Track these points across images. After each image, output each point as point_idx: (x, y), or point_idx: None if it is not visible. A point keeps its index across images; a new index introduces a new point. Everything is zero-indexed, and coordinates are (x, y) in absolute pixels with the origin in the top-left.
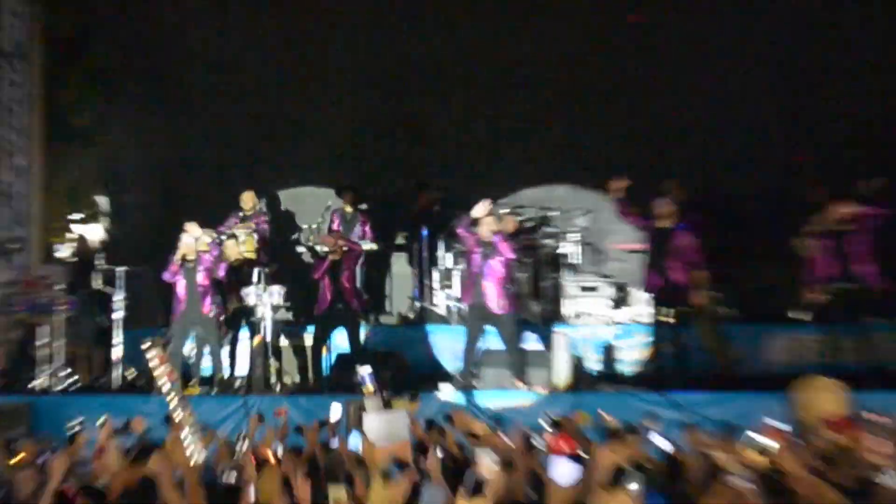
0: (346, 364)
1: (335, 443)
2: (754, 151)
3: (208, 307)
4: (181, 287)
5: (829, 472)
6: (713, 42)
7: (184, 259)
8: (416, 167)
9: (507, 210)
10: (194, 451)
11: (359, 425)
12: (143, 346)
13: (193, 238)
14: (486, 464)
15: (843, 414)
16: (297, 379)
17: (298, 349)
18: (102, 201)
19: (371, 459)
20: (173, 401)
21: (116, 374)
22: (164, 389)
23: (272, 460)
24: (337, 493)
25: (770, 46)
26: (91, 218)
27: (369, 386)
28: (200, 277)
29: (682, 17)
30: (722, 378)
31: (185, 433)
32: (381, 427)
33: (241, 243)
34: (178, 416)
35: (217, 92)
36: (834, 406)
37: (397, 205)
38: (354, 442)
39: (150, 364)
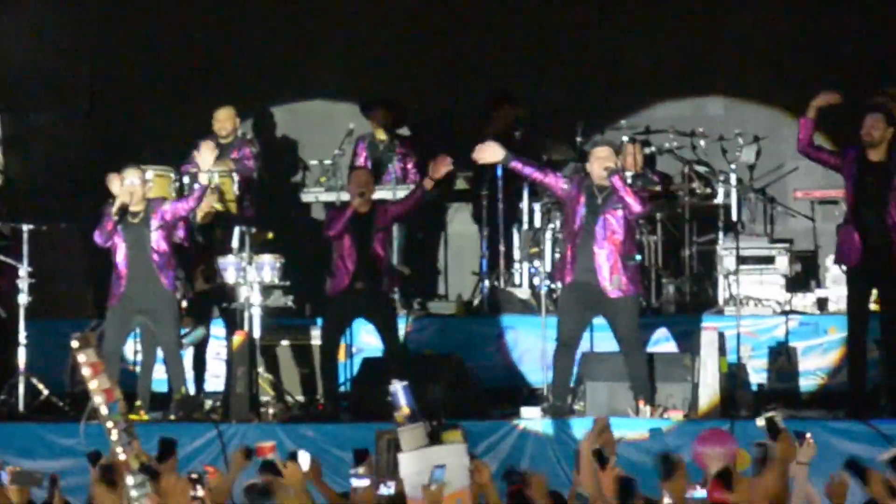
0: (374, 374)
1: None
2: None
3: (166, 285)
4: (121, 255)
5: None
6: None
7: (124, 212)
8: (485, 69)
9: (631, 136)
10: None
11: (392, 469)
12: (72, 345)
13: (138, 181)
14: None
15: None
16: (300, 397)
17: (302, 351)
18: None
19: None
20: (113, 432)
21: (20, 389)
22: (102, 413)
23: None
24: None
25: None
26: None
27: (405, 408)
28: (153, 240)
29: None
30: None
31: (131, 481)
32: (425, 471)
33: (213, 189)
34: (120, 453)
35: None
36: None
37: (457, 128)
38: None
39: (83, 373)
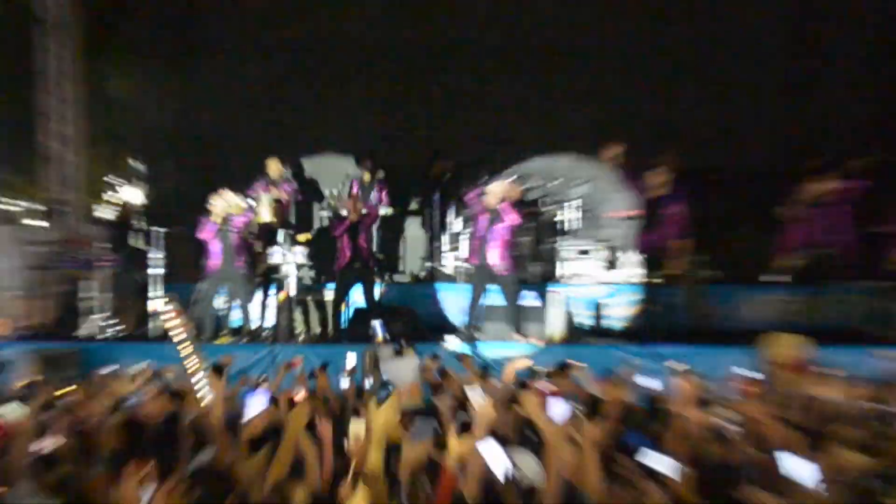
0: (362, 317)
1: (346, 384)
2: (744, 127)
3: (240, 265)
4: (215, 246)
5: (791, 416)
6: (707, 29)
7: (224, 220)
8: (429, 139)
9: (513, 179)
10: (205, 394)
11: (373, 371)
12: (163, 303)
13: (226, 202)
14: (476, 402)
15: (801, 360)
16: (318, 330)
17: (319, 303)
18: (140, 167)
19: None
20: (186, 350)
21: (154, 324)
22: (178, 340)
23: (300, 402)
24: (357, 427)
25: (762, 35)
26: (130, 182)
27: (380, 336)
28: (233, 238)
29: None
30: (700, 333)
31: (197, 378)
32: (396, 371)
33: (266, 209)
34: (191, 363)
35: (247, 67)
36: (794, 354)
37: (412, 173)
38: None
39: (165, 318)
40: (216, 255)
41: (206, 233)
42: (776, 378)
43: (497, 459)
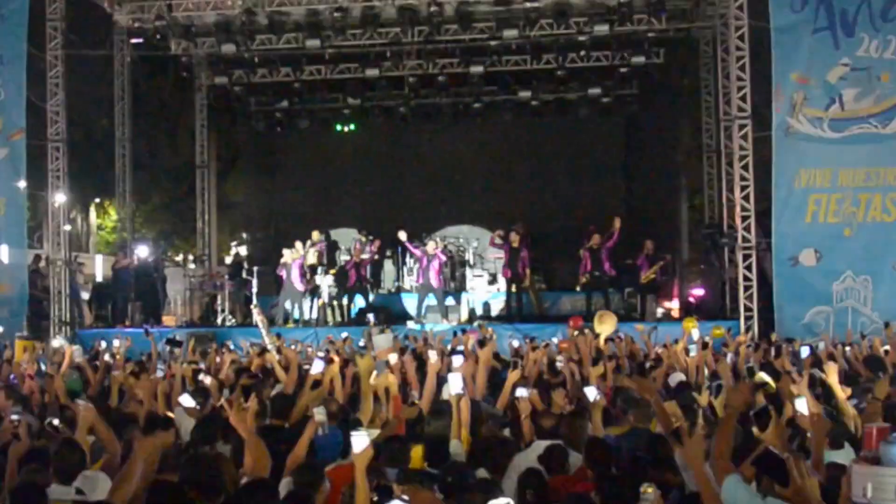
0: (362, 312)
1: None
2: (560, 211)
3: (300, 286)
4: (287, 277)
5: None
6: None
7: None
8: (396, 219)
9: (439, 238)
10: (273, 350)
11: (367, 341)
12: (252, 307)
13: (291, 253)
14: (433, 357)
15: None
16: (339, 319)
17: (339, 306)
18: (245, 237)
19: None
20: (264, 330)
21: (252, 319)
22: (260, 326)
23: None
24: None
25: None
26: (241, 243)
27: (372, 322)
28: (295, 272)
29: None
30: (540, 317)
31: (268, 343)
32: (380, 342)
33: (312, 257)
34: (267, 338)
35: (299, 182)
36: (610, 329)
37: (387, 237)
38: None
39: (255, 317)
40: (288, 280)
41: (280, 270)
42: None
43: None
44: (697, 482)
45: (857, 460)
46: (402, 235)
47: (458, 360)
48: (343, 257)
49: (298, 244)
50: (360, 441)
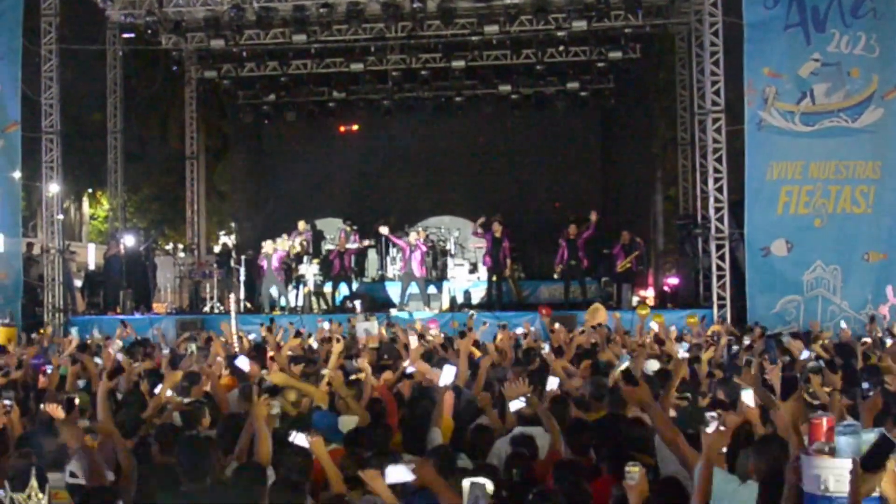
0: (347, 300)
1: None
2: (539, 202)
3: (280, 276)
4: (266, 266)
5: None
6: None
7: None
8: (379, 210)
9: (421, 229)
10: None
11: (353, 329)
12: (230, 298)
13: (274, 243)
14: (413, 343)
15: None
16: (324, 307)
17: (323, 293)
18: (234, 226)
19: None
20: (233, 321)
21: (239, 305)
22: (232, 317)
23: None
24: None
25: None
26: (229, 233)
27: (358, 309)
28: (275, 262)
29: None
30: (520, 305)
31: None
32: (365, 327)
33: (298, 246)
34: (234, 329)
35: (288, 175)
36: (601, 319)
37: (370, 226)
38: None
39: (231, 306)
40: (267, 270)
41: (261, 260)
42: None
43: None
44: (656, 422)
45: (811, 452)
46: (384, 230)
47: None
48: (328, 246)
49: (283, 237)
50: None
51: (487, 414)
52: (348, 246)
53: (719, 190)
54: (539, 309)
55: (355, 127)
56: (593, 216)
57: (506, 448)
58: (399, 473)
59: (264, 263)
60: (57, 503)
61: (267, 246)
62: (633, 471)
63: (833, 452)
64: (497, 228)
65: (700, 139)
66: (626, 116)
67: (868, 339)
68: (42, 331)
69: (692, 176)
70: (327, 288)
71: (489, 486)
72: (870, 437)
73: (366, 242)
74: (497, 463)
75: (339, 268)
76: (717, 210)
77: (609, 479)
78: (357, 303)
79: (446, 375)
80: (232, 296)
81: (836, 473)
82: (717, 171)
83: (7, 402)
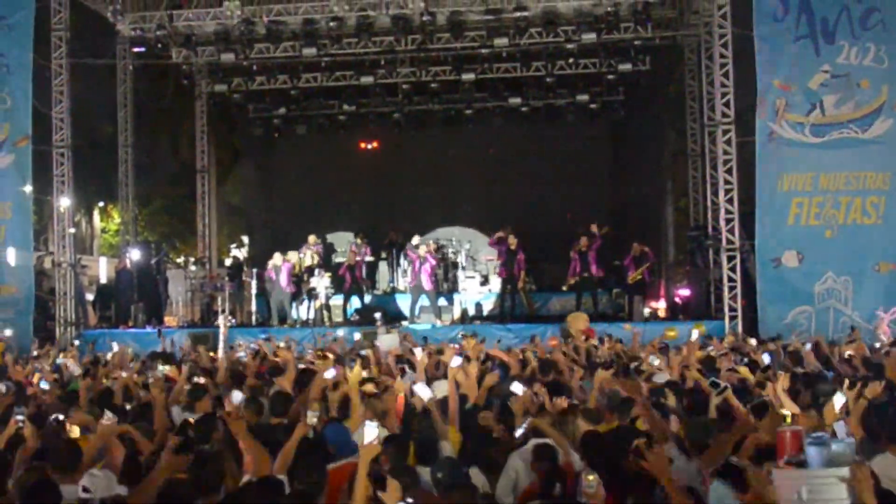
0: (359, 312)
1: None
2: (549, 214)
3: (288, 288)
4: (275, 279)
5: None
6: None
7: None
8: (392, 222)
9: (432, 241)
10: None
11: (371, 344)
12: (221, 315)
13: (281, 256)
14: (418, 355)
15: (587, 328)
16: (337, 320)
17: (335, 306)
18: (245, 239)
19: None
20: (222, 338)
21: (252, 318)
22: (221, 333)
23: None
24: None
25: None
26: (240, 246)
27: (379, 322)
28: (284, 275)
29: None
30: (531, 316)
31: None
32: (386, 341)
33: (309, 259)
34: (221, 346)
35: (298, 189)
36: (583, 325)
37: (382, 239)
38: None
39: (220, 323)
40: (275, 283)
41: (269, 272)
42: (571, 337)
43: (424, 391)
44: (668, 490)
45: (781, 466)
46: (398, 237)
47: (456, 361)
48: (338, 259)
49: (292, 253)
50: (371, 432)
51: (494, 430)
52: (357, 259)
53: (730, 201)
54: (587, 332)
55: (375, 144)
56: (594, 228)
57: (523, 460)
58: None
59: (273, 275)
60: None
61: (277, 258)
62: (590, 479)
63: (803, 464)
64: (512, 241)
65: (710, 150)
66: (636, 128)
67: (851, 352)
68: (47, 347)
69: (702, 187)
70: (338, 300)
71: None
72: (840, 446)
73: (368, 258)
74: (514, 476)
75: (350, 281)
76: (728, 221)
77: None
78: (377, 315)
79: (422, 392)
80: (220, 317)
81: (810, 484)
82: (727, 182)
83: (19, 416)
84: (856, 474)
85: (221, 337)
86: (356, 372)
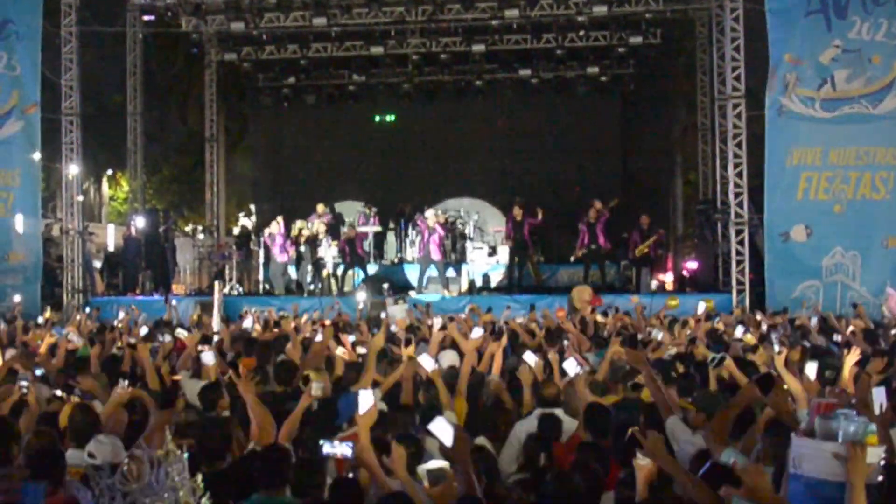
0: (370, 282)
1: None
2: (557, 186)
3: (281, 258)
4: (271, 247)
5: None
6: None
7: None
8: (400, 192)
9: (441, 211)
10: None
11: (382, 311)
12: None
13: (277, 224)
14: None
15: (592, 297)
16: (342, 288)
17: (340, 276)
18: (253, 208)
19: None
20: (217, 307)
21: (260, 286)
22: (216, 303)
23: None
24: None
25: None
26: (248, 215)
27: (387, 292)
28: (278, 244)
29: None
30: (539, 288)
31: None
32: (396, 312)
33: (317, 228)
34: (217, 316)
35: (308, 159)
36: (587, 295)
37: (391, 208)
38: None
39: (215, 294)
40: (271, 252)
41: (266, 239)
42: (577, 310)
43: (427, 362)
44: (670, 471)
45: (796, 433)
46: (407, 207)
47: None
48: (345, 229)
49: (299, 222)
50: (366, 399)
51: (503, 398)
52: (363, 229)
53: (739, 175)
54: (593, 301)
55: (391, 117)
56: (597, 204)
57: (527, 430)
58: (442, 429)
59: (270, 242)
60: (73, 480)
61: (272, 226)
62: (642, 465)
63: (812, 434)
64: (517, 212)
65: (720, 124)
66: (646, 101)
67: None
68: (48, 315)
69: (712, 161)
70: (343, 271)
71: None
72: (852, 424)
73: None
74: (517, 445)
75: (350, 253)
76: (737, 195)
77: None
78: (385, 285)
79: (426, 363)
80: (216, 284)
81: (808, 454)
82: (736, 156)
83: (23, 383)
84: (851, 453)
85: (216, 305)
86: (378, 339)
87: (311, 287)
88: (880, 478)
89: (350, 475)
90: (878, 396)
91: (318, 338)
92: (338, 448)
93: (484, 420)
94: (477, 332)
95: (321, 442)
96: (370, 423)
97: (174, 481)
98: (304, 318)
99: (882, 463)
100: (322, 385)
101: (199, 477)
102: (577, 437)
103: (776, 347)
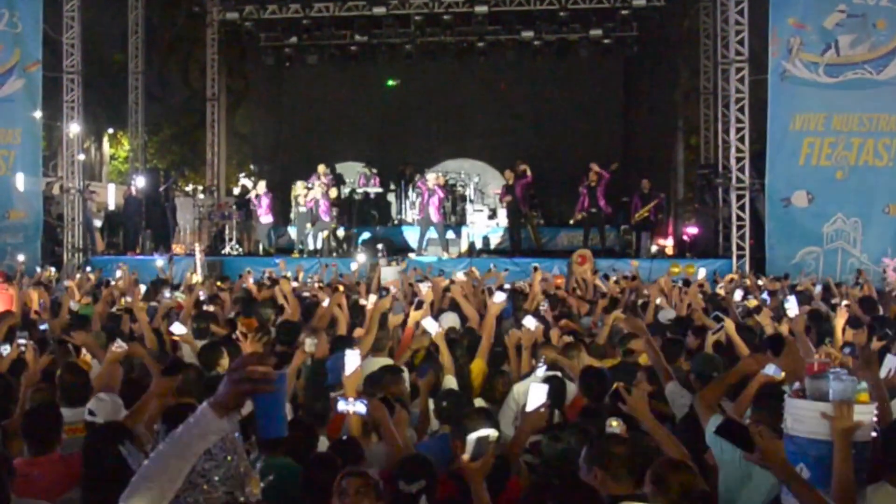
0: (366, 243)
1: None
2: (559, 149)
3: (266, 218)
4: (257, 208)
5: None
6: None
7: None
8: (401, 153)
9: (441, 173)
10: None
11: (375, 270)
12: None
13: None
14: (424, 289)
15: (581, 256)
16: (342, 249)
17: (340, 237)
18: (253, 168)
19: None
20: (199, 266)
21: (260, 246)
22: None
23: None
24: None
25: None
26: (249, 175)
27: (381, 254)
28: (264, 204)
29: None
30: (539, 251)
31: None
32: (389, 273)
33: (318, 189)
34: (200, 274)
35: (304, 120)
36: (577, 257)
37: (391, 169)
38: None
39: (196, 255)
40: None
41: (253, 200)
42: (573, 274)
43: (431, 325)
44: (649, 429)
45: (790, 393)
46: (407, 168)
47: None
48: (346, 190)
49: (300, 183)
50: (352, 360)
51: (523, 353)
52: (368, 188)
53: (741, 140)
54: (582, 259)
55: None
56: (594, 167)
57: (524, 391)
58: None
59: (257, 202)
60: (72, 437)
61: (259, 186)
62: (613, 425)
63: (803, 394)
64: (508, 175)
65: (723, 89)
66: (648, 65)
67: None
68: (47, 273)
69: (714, 125)
70: (344, 231)
71: (493, 436)
72: (841, 384)
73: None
74: (514, 406)
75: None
76: (739, 160)
77: None
78: (380, 246)
79: (429, 326)
80: (196, 245)
81: (799, 415)
82: (739, 121)
83: (21, 341)
84: (837, 411)
85: (199, 264)
86: (385, 301)
87: (310, 248)
88: (873, 434)
89: (344, 438)
90: (890, 362)
91: (325, 302)
92: (352, 405)
93: (483, 384)
94: (500, 297)
95: (336, 399)
96: (357, 383)
97: (233, 444)
98: (301, 276)
99: (874, 420)
100: (315, 342)
101: (254, 438)
102: (579, 400)
103: (794, 310)
